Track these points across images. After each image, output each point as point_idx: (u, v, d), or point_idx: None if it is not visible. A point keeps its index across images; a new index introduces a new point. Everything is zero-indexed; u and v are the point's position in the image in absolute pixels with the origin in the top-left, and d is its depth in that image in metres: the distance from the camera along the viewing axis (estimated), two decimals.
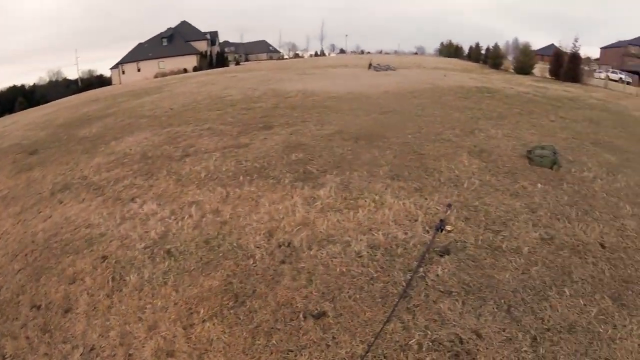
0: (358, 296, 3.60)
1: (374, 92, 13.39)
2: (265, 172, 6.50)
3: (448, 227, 4.48)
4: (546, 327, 3.19)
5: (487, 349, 3.01)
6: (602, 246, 4.24)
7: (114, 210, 5.98)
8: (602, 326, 3.20)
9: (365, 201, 5.20)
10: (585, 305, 3.41)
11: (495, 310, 3.34)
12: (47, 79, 67.86)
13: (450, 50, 52.40)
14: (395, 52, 76.82)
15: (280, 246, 4.47)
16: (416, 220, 4.70)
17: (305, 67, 29.23)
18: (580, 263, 3.96)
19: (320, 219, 4.88)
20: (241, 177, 6.39)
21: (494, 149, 7.08)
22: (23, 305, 4.29)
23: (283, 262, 4.19)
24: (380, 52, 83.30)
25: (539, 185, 5.64)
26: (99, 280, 4.36)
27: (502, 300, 3.44)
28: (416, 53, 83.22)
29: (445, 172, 6.02)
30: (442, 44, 58.05)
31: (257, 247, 4.50)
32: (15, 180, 8.92)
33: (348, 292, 3.64)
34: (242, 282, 3.96)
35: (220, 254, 4.46)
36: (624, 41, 63.46)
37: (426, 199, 5.23)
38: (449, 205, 4.92)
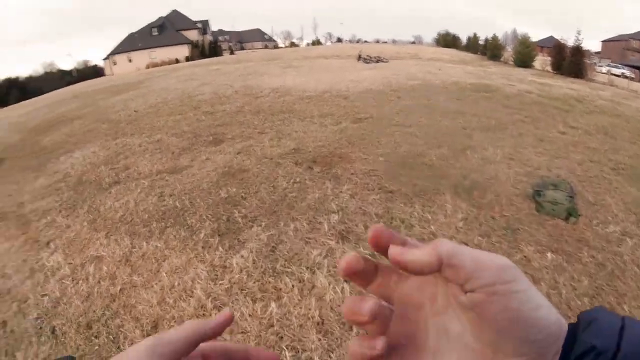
0: None
1: (354, 91, 11.62)
2: (183, 216, 4.86)
3: None
4: None
5: None
6: None
7: (28, 258, 4.88)
8: None
9: (289, 282, 3.50)
10: None
11: None
12: (42, 71, 66.69)
13: (447, 40, 50.44)
14: (393, 42, 74.82)
15: None
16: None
17: (294, 57, 27.59)
18: None
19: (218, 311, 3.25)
20: (154, 224, 4.80)
21: (489, 182, 5.31)
22: None
23: None
24: (378, 41, 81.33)
25: (549, 255, 3.85)
26: None
27: None
28: (413, 42, 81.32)
29: (416, 227, 4.22)
30: (439, 33, 55.99)
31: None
32: None
33: None
34: None
35: (96, 347, 3.17)
36: (626, 35, 61.72)
37: None
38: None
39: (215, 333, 0.40)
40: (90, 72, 62.07)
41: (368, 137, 7.06)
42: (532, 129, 8.02)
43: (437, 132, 7.39)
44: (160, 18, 61.58)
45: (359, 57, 22.29)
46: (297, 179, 5.42)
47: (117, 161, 7.73)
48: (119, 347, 3.16)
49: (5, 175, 9.29)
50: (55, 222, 5.86)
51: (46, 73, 66.05)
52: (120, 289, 3.85)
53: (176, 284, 3.71)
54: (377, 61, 21.60)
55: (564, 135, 7.78)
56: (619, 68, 33.62)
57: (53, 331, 3.46)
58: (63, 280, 4.34)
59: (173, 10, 63.09)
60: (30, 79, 62.70)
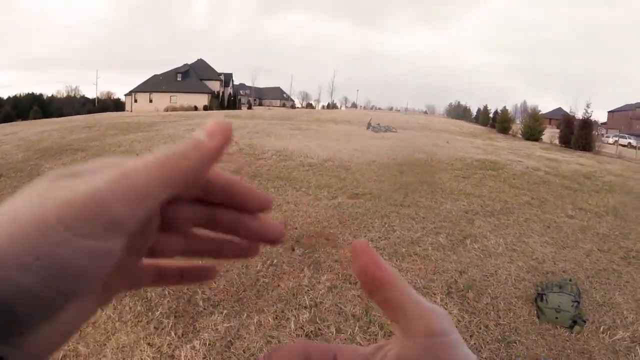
0: None
1: (357, 162, 11.06)
2: (144, 288, 4.34)
3: None
4: None
5: None
6: None
7: None
8: None
9: None
10: None
11: None
12: (65, 93, 68.60)
13: (458, 112, 51.08)
14: (406, 110, 75.92)
15: None
16: None
17: (306, 119, 27.66)
18: None
19: None
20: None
21: (488, 281, 4.61)
22: None
23: None
24: (391, 108, 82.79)
25: None
26: None
27: None
28: (425, 112, 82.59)
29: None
30: (450, 104, 56.77)
31: None
32: None
33: None
34: None
35: None
36: (632, 104, 62.25)
37: None
38: None
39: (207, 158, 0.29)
40: (111, 104, 64.04)
41: (362, 217, 6.43)
42: (539, 213, 7.42)
43: (437, 215, 6.73)
44: (185, 65, 63.62)
45: (369, 125, 22.04)
46: (275, 261, 4.75)
47: None
48: None
49: None
50: None
51: (69, 96, 67.98)
52: (63, 356, 3.32)
53: None
54: (386, 130, 21.38)
55: (572, 220, 7.18)
56: (626, 138, 33.78)
57: None
58: None
59: (199, 59, 65.17)
60: (52, 98, 65.08)
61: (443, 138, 19.35)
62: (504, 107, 34.78)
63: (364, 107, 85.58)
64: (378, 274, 0.29)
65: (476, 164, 12.01)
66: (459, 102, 54.60)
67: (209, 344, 3.31)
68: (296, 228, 5.83)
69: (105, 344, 3.44)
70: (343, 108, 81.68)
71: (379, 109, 78.42)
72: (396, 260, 4.83)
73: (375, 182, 8.84)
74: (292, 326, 3.50)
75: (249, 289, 4.15)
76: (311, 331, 3.48)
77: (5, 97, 62.87)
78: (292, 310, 3.75)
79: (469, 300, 4.05)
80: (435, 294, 4.08)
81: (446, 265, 4.84)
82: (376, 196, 7.65)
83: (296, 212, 6.60)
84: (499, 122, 32.20)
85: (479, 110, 44.52)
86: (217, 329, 3.49)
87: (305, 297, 3.98)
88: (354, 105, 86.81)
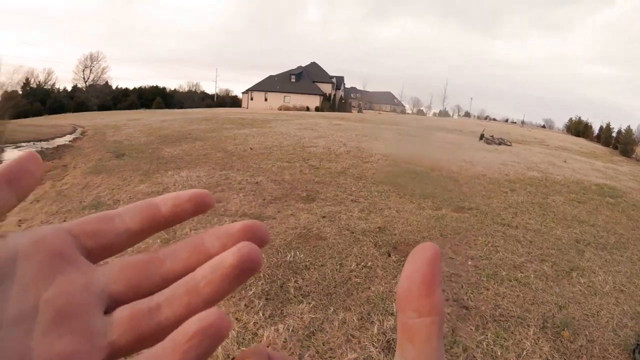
0: None
1: (466, 174, 10.72)
2: None
3: None
4: None
5: None
6: None
7: None
8: None
9: None
10: None
11: None
12: (187, 88, 74.84)
13: (578, 128, 46.66)
14: (522, 123, 71.52)
15: None
16: None
17: (416, 125, 27.20)
18: None
19: None
20: None
21: (587, 321, 4.18)
22: None
23: None
24: (506, 120, 78.41)
25: None
26: None
27: None
28: (543, 126, 77.04)
29: None
30: (570, 119, 52.12)
31: None
32: (84, 178, 9.46)
33: None
34: None
35: None
36: None
37: None
38: None
39: (174, 215, 0.29)
40: (229, 101, 68.52)
41: (464, 232, 6.19)
42: None
43: (545, 241, 6.27)
44: (299, 67, 66.30)
45: (481, 137, 20.96)
46: (369, 263, 4.83)
47: (213, 191, 7.77)
48: None
49: (118, 169, 10.37)
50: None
51: (190, 91, 74.01)
52: None
53: None
54: (499, 143, 20.15)
55: None
56: None
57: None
58: None
59: (312, 62, 67.46)
60: (174, 92, 71.12)
61: (560, 156, 17.89)
62: (628, 126, 31.21)
63: (477, 116, 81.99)
64: (424, 300, 0.24)
65: (594, 189, 11.05)
66: (579, 117, 49.80)
67: (291, 330, 3.48)
68: (395, 234, 5.84)
69: None
70: (455, 116, 79.08)
71: (494, 119, 74.50)
72: (494, 283, 4.62)
73: (483, 197, 8.50)
74: (375, 330, 3.56)
75: (340, 286, 4.28)
76: (392, 339, 3.49)
77: (131, 87, 70.14)
78: (378, 315, 3.79)
79: (562, 339, 3.76)
80: (529, 326, 3.84)
81: (546, 297, 4.52)
82: (482, 212, 7.38)
83: (397, 218, 6.59)
84: (622, 144, 28.85)
85: (601, 128, 40.42)
86: (302, 318, 3.67)
87: (394, 304, 3.90)
88: (467, 114, 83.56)
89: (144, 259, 0.28)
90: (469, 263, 5.08)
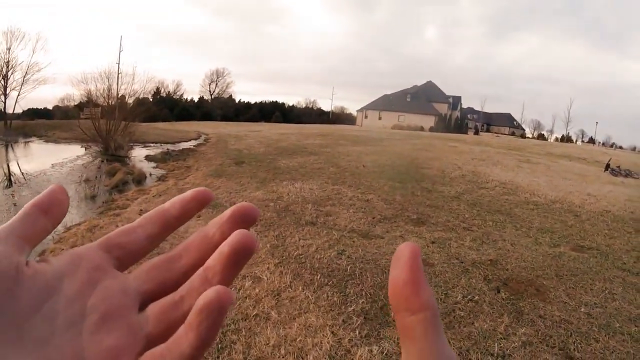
0: None
1: (589, 208, 9.64)
2: (345, 282, 4.69)
3: None
4: None
5: None
6: None
7: None
8: None
9: None
10: None
11: None
12: (304, 104, 78.41)
13: None
14: None
15: None
16: None
17: (536, 151, 25.33)
18: None
19: None
20: (319, 276, 4.82)
21: None
22: None
23: None
24: (634, 149, 70.12)
25: None
26: None
27: None
28: None
29: None
30: None
31: None
32: (204, 180, 10.62)
33: None
34: None
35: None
36: None
37: None
38: None
39: (182, 214, 0.34)
40: (343, 118, 70.31)
41: (582, 275, 5.58)
42: None
43: None
44: (415, 86, 65.93)
45: (607, 167, 18.77)
46: (476, 297, 4.58)
47: (324, 205, 8.18)
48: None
49: (237, 174, 11.35)
50: None
51: (307, 107, 77.42)
52: (255, 315, 3.98)
53: (298, 339, 3.59)
54: (627, 175, 17.75)
55: None
56: None
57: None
58: None
59: (428, 81, 66.75)
60: (292, 107, 74.86)
61: None
62: None
63: (603, 143, 74.18)
64: (413, 296, 0.26)
65: None
66: None
67: (385, 354, 3.44)
68: (507, 269, 5.50)
69: (295, 319, 3.95)
70: (579, 142, 72.46)
71: (620, 147, 66.83)
72: (605, 335, 4.08)
73: (606, 236, 7.62)
74: None
75: (442, 317, 4.14)
76: None
77: (252, 102, 75.69)
78: (477, 353, 3.60)
79: None
80: None
81: None
82: (603, 254, 6.62)
83: (511, 252, 6.20)
84: None
85: None
86: (398, 343, 3.60)
87: (496, 344, 3.73)
88: (592, 141, 75.92)
89: (164, 259, 0.33)
90: (581, 310, 4.59)
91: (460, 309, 4.34)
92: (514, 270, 5.50)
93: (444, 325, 4.01)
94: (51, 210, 0.32)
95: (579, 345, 3.87)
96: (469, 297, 4.60)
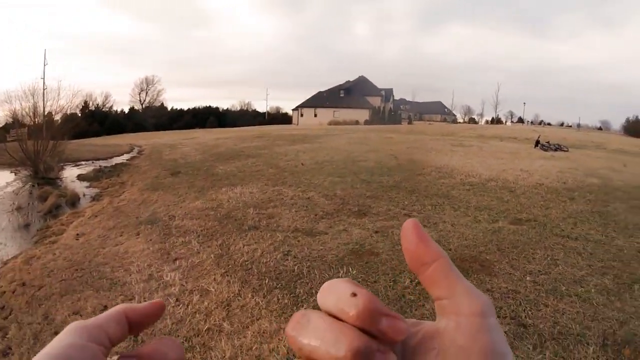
0: None
1: (522, 184, 10.22)
2: (294, 283, 4.76)
3: None
4: None
5: None
6: None
7: (153, 264, 5.72)
8: None
9: None
10: None
11: None
12: (239, 107, 77.30)
13: (637, 128, 43.52)
14: (578, 127, 68.33)
15: None
16: None
17: (468, 135, 26.45)
18: None
19: None
20: (267, 280, 4.80)
21: None
22: None
23: None
24: (562, 124, 75.13)
25: None
26: None
27: None
28: (600, 128, 73.13)
29: None
30: (627, 119, 48.81)
31: None
32: (140, 195, 10.38)
33: None
34: None
35: None
36: None
37: None
38: None
39: (144, 318, 0.36)
40: (279, 118, 70.10)
41: (522, 246, 5.92)
42: None
43: (606, 252, 5.83)
44: (348, 82, 66.81)
45: (537, 143, 19.90)
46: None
47: (265, 207, 8.17)
48: None
49: (175, 185, 11.10)
50: (189, 245, 6.37)
51: (242, 110, 76.40)
52: (207, 329, 3.95)
53: (254, 347, 3.59)
54: (556, 149, 19.03)
55: None
56: None
57: (135, 337, 3.54)
58: (168, 297, 4.70)
59: (360, 76, 67.99)
60: (227, 111, 73.50)
61: (620, 160, 16.72)
62: None
63: (532, 122, 78.76)
64: (425, 251, 0.32)
65: None
66: (637, 117, 46.54)
67: None
68: (450, 249, 5.71)
69: (248, 327, 3.95)
70: (509, 123, 76.45)
71: (548, 124, 71.27)
72: (553, 299, 4.37)
73: (541, 208, 8.09)
74: None
75: (393, 303, 4.27)
76: None
77: (185, 108, 73.52)
78: None
79: (624, 357, 3.53)
80: (588, 344, 3.61)
81: (607, 312, 4.22)
82: (541, 224, 7.03)
83: (452, 232, 6.47)
84: None
85: None
86: None
87: None
88: (521, 120, 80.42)
89: None
90: (527, 278, 4.87)
91: (409, 293, 4.49)
92: (457, 249, 5.75)
93: (396, 310, 4.05)
94: (140, 323, 0.35)
95: (530, 312, 4.12)
96: (417, 280, 4.65)
